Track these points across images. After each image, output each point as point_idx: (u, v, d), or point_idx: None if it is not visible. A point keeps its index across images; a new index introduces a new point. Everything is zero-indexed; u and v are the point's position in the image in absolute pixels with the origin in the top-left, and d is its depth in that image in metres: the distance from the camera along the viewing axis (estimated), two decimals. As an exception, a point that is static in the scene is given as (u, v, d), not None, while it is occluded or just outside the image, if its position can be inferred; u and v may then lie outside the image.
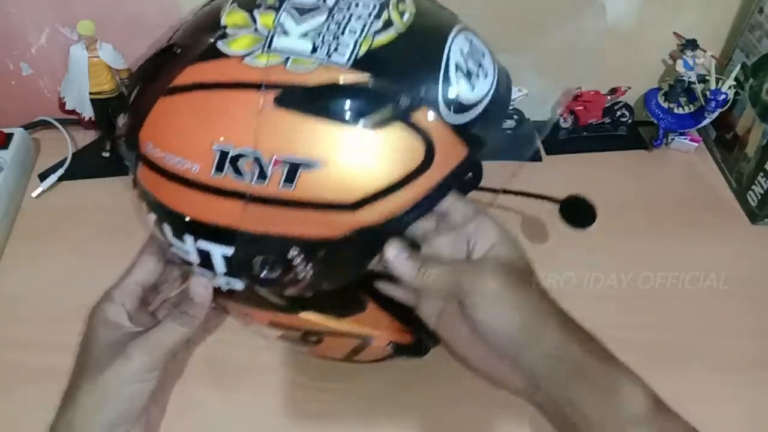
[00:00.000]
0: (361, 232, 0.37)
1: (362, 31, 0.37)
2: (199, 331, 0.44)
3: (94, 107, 0.69)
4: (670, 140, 0.75)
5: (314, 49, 0.37)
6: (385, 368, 0.53)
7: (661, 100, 0.74)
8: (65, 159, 0.70)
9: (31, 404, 0.52)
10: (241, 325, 0.49)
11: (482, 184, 0.47)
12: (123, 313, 0.43)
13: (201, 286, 0.42)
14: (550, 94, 0.77)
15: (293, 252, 0.38)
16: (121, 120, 0.43)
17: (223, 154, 0.36)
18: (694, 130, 0.75)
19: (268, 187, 0.36)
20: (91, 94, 0.68)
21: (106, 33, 0.65)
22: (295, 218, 0.37)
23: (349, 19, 0.38)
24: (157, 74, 0.40)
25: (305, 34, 0.37)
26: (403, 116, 0.36)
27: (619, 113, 0.75)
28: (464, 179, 0.42)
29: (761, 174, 0.66)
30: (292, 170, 0.36)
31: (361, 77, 0.36)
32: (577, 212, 0.56)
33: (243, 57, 0.37)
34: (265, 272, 0.39)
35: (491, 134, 0.40)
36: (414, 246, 0.44)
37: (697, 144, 0.75)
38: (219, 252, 0.39)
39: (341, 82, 0.36)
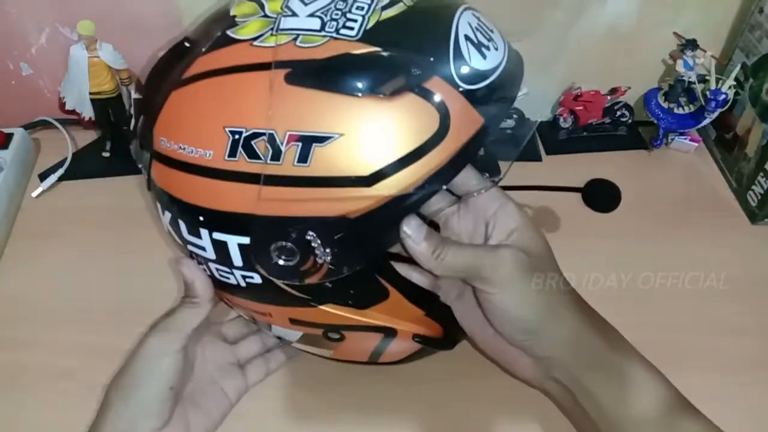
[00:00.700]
0: (378, 209, 0.36)
1: (370, 6, 0.37)
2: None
3: (94, 107, 0.69)
4: (670, 140, 0.75)
5: (323, 26, 0.37)
6: (384, 368, 0.53)
7: (661, 100, 0.74)
8: (65, 159, 0.70)
9: (31, 404, 0.52)
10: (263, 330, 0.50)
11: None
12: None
13: (188, 268, 0.42)
14: (551, 92, 0.77)
15: (310, 235, 0.37)
16: (134, 123, 0.44)
17: (236, 137, 0.36)
18: (694, 130, 0.75)
19: (283, 166, 0.36)
20: (91, 94, 0.68)
21: (106, 33, 0.65)
22: (311, 197, 0.36)
23: None
24: (169, 69, 0.40)
25: (313, 14, 0.37)
26: (416, 86, 0.36)
27: (619, 113, 0.75)
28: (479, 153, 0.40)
29: (761, 174, 0.66)
30: (306, 147, 0.35)
31: (371, 49, 0.36)
32: (601, 196, 0.58)
33: (253, 40, 0.37)
34: (282, 260, 0.38)
35: (505, 106, 0.40)
36: (432, 226, 0.42)
37: (697, 144, 0.75)
38: (235, 242, 0.38)
39: (351, 54, 0.36)
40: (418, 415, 0.51)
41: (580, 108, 0.74)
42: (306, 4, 0.38)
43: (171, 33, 0.66)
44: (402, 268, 0.46)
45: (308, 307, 0.42)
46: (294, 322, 0.44)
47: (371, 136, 0.36)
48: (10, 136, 0.69)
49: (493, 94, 0.38)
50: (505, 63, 0.39)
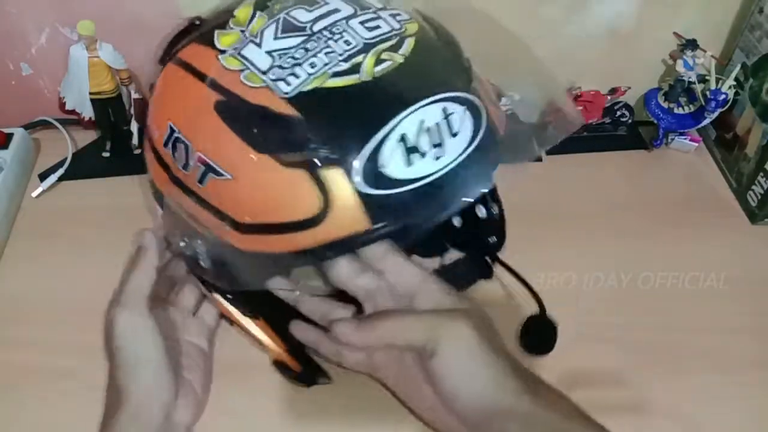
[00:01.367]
0: (244, 254, 0.39)
1: (323, 67, 0.36)
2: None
3: (94, 107, 0.69)
4: (670, 140, 0.75)
5: (269, 70, 0.37)
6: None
7: (661, 100, 0.74)
8: (65, 159, 0.70)
9: (31, 404, 0.52)
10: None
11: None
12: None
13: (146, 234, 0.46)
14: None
15: (197, 240, 0.41)
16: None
17: (171, 132, 0.40)
18: (694, 130, 0.75)
19: (188, 176, 0.39)
20: (91, 94, 0.68)
21: (106, 33, 0.65)
22: (201, 213, 0.40)
23: (317, 53, 0.37)
24: (177, 41, 0.44)
25: (271, 52, 0.38)
26: (311, 166, 0.35)
27: (619, 113, 0.75)
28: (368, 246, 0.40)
29: (761, 174, 0.66)
30: (206, 172, 0.38)
31: (290, 112, 0.36)
32: (536, 334, 0.52)
33: (222, 52, 0.39)
34: (181, 248, 0.43)
35: (421, 214, 0.36)
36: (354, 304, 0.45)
37: (697, 144, 0.75)
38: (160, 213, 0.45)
39: (270, 110, 0.36)
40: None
41: (580, 108, 0.74)
42: (275, 38, 0.38)
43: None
44: (303, 333, 0.48)
45: (218, 295, 0.48)
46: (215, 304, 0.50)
47: (253, 191, 0.37)
48: (10, 136, 0.69)
49: (402, 203, 0.36)
50: (441, 175, 0.36)
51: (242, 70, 0.37)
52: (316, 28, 0.38)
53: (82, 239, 0.64)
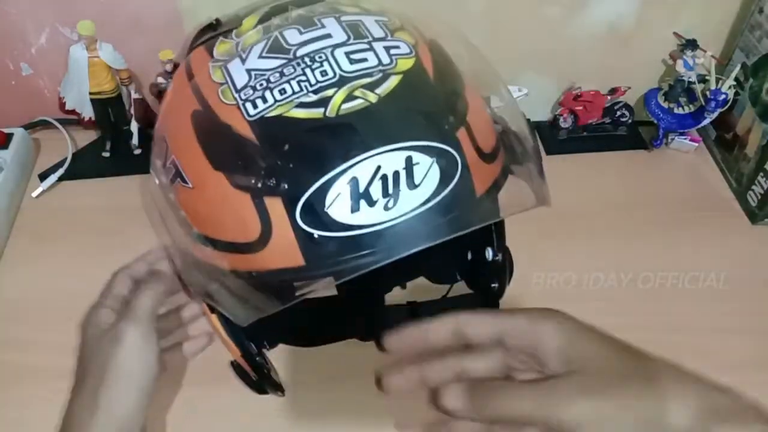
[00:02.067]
0: (200, 263, 0.40)
1: (289, 95, 0.36)
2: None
3: (94, 107, 0.69)
4: (670, 140, 0.75)
5: (242, 88, 0.37)
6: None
7: (661, 100, 0.74)
8: (65, 159, 0.70)
9: (31, 404, 0.52)
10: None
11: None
12: (111, 314, 0.43)
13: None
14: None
15: (173, 234, 0.42)
16: None
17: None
18: (694, 130, 0.75)
19: (165, 172, 0.40)
20: (91, 94, 0.68)
21: (106, 33, 0.65)
22: (168, 214, 0.41)
23: (290, 80, 0.36)
24: (197, 37, 0.45)
25: (250, 71, 0.38)
26: (257, 192, 0.35)
27: (619, 113, 0.75)
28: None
29: (761, 174, 0.66)
30: (175, 176, 0.39)
31: (249, 135, 0.36)
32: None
33: (215, 61, 0.40)
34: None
35: (356, 263, 0.34)
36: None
37: (697, 144, 0.75)
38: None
39: (233, 130, 0.36)
40: (418, 415, 0.51)
41: (580, 108, 0.74)
42: (259, 57, 0.38)
43: (171, 33, 0.67)
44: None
45: None
46: None
47: (204, 204, 0.38)
48: (10, 136, 0.69)
49: (339, 247, 0.34)
50: (387, 227, 0.34)
51: (222, 84, 0.38)
52: (300, 52, 0.37)
53: (82, 239, 0.64)
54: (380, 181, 0.33)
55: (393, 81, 0.36)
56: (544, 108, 0.78)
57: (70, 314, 0.58)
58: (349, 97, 0.35)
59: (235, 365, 0.46)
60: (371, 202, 0.33)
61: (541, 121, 0.78)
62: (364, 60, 0.37)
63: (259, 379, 0.46)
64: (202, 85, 0.39)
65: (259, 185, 0.35)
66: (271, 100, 0.36)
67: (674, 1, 0.70)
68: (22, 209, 0.68)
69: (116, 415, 0.39)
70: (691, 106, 0.73)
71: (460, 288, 0.57)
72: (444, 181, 0.35)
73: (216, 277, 0.39)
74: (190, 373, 0.53)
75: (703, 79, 0.71)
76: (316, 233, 0.34)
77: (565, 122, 0.75)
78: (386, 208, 0.33)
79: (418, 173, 0.34)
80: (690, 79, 0.71)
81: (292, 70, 0.36)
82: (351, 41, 0.38)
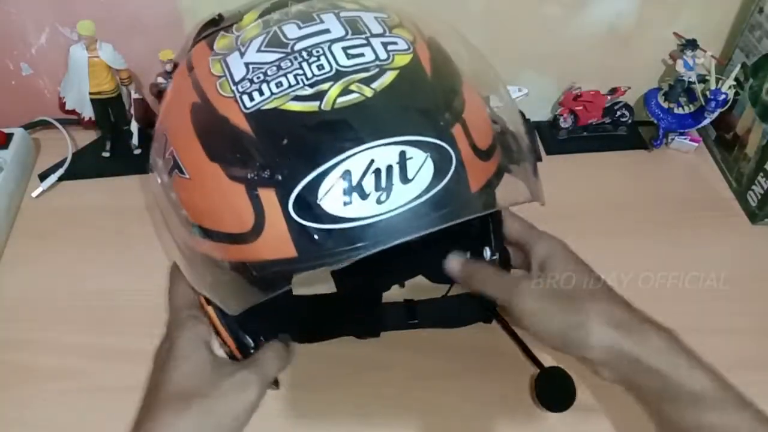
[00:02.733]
0: (198, 256, 0.40)
1: (285, 89, 0.36)
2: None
3: (94, 107, 0.69)
4: (670, 140, 0.75)
5: (240, 81, 0.37)
6: (384, 368, 0.53)
7: (661, 100, 0.74)
8: (65, 159, 0.70)
9: (31, 404, 0.52)
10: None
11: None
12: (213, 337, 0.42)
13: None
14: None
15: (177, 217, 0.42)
16: None
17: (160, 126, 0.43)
18: (694, 130, 0.75)
19: (164, 163, 0.41)
20: (91, 94, 0.68)
21: (106, 33, 0.65)
22: (166, 204, 0.42)
23: (287, 73, 0.36)
24: (200, 32, 0.46)
25: (248, 64, 0.38)
26: (251, 184, 0.35)
27: (619, 113, 0.75)
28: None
29: (761, 174, 0.66)
30: (173, 168, 0.39)
31: (245, 128, 0.36)
32: (553, 388, 0.50)
33: (215, 55, 0.40)
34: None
35: (346, 255, 0.34)
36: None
37: (697, 144, 0.75)
38: None
39: (230, 122, 0.36)
40: (417, 415, 0.51)
41: (580, 108, 0.74)
42: (258, 51, 0.38)
43: (171, 33, 0.67)
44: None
45: None
46: None
47: (201, 195, 0.38)
48: (10, 136, 0.69)
49: (331, 240, 0.34)
50: (373, 222, 0.34)
51: (220, 77, 0.38)
52: (297, 47, 0.38)
53: (82, 239, 0.64)
54: (373, 175, 0.34)
55: (389, 76, 0.37)
56: (544, 108, 0.78)
57: (70, 314, 0.58)
58: (345, 91, 0.35)
59: (230, 357, 0.46)
60: (364, 196, 0.34)
61: (541, 121, 0.78)
62: (361, 55, 0.37)
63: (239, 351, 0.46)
64: (202, 78, 0.39)
65: (254, 177, 0.35)
66: (267, 93, 0.36)
67: (674, 1, 0.70)
68: (22, 209, 0.68)
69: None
70: (691, 106, 0.73)
71: (460, 287, 0.57)
72: (437, 177, 0.35)
73: (212, 269, 0.39)
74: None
75: (703, 79, 0.71)
76: (308, 224, 0.34)
77: (565, 122, 0.75)
78: (379, 201, 0.34)
79: (411, 168, 0.34)
80: (690, 79, 0.71)
81: (290, 64, 0.37)
82: (349, 36, 0.38)
